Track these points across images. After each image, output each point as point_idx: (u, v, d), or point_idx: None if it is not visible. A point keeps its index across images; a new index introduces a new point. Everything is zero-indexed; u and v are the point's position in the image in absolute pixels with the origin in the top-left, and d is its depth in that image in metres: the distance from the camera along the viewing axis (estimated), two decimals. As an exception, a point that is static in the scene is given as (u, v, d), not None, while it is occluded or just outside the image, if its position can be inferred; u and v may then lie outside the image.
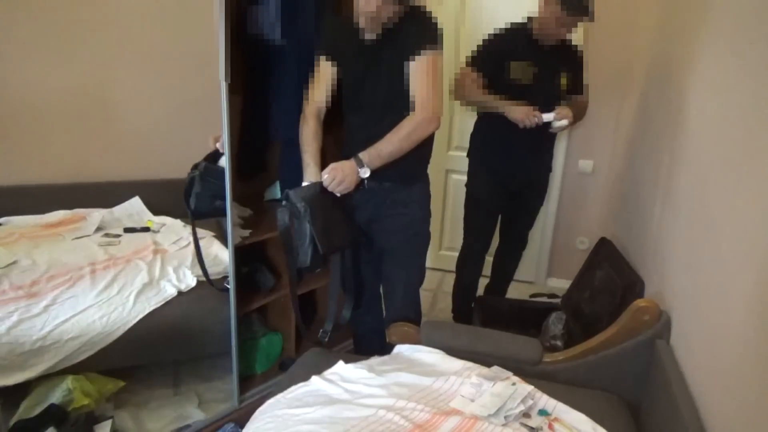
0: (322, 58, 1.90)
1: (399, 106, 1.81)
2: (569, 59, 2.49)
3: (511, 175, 2.58)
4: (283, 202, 1.76)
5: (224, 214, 1.93)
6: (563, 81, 2.45)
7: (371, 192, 1.90)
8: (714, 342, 1.34)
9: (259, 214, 2.27)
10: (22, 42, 2.04)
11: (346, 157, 1.80)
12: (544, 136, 2.48)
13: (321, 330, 2.07)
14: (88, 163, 2.31)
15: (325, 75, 1.90)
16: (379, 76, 1.81)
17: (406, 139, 1.77)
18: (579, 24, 2.30)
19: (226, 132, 1.78)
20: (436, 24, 1.79)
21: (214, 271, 2.28)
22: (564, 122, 2.35)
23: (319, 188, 1.78)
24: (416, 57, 1.74)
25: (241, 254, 2.02)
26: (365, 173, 1.79)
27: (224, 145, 1.82)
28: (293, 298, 2.01)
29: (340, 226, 1.84)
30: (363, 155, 1.78)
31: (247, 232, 2.07)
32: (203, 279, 2.22)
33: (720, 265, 1.37)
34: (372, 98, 1.85)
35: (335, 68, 1.89)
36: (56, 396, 1.77)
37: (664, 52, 2.32)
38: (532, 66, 2.37)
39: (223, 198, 1.95)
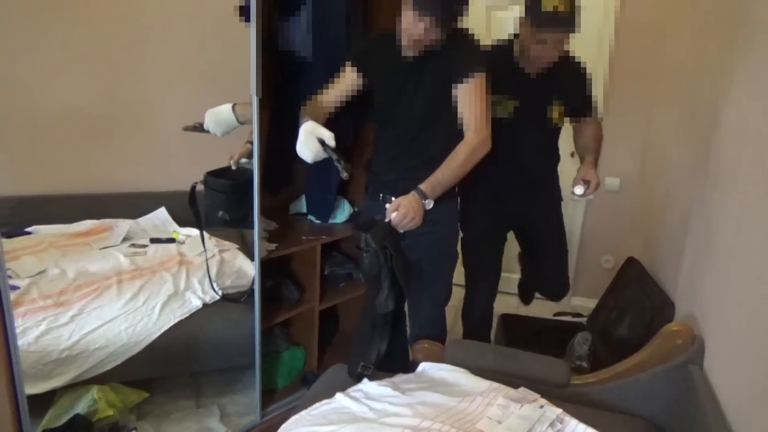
0: (348, 64, 1.89)
1: (435, 125, 1.81)
2: (567, 81, 2.10)
3: (505, 215, 2.29)
4: (364, 247, 1.70)
5: (230, 225, 1.95)
6: (555, 113, 2.10)
7: None
8: (752, 368, 1.29)
9: (284, 228, 2.28)
10: (53, 51, 2.09)
11: (374, 172, 1.79)
12: (539, 167, 2.22)
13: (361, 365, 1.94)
14: (115, 173, 2.35)
15: (345, 80, 1.90)
16: (417, 93, 1.80)
17: (465, 165, 1.75)
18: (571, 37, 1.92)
19: (257, 145, 1.80)
20: (479, 46, 1.80)
21: (238, 284, 2.29)
22: (591, 195, 2.05)
23: (389, 227, 1.72)
24: (465, 80, 1.73)
25: (265, 267, 2.03)
26: (429, 205, 1.75)
27: (254, 157, 1.83)
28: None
29: (407, 262, 1.81)
30: (424, 187, 1.73)
31: (273, 246, 2.07)
32: (230, 291, 2.23)
33: (758, 288, 1.33)
34: (408, 114, 1.83)
35: (360, 79, 1.89)
36: (81, 406, 1.78)
37: (696, 63, 2.25)
38: (512, 100, 2.04)
39: (227, 209, 2.00)
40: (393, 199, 1.76)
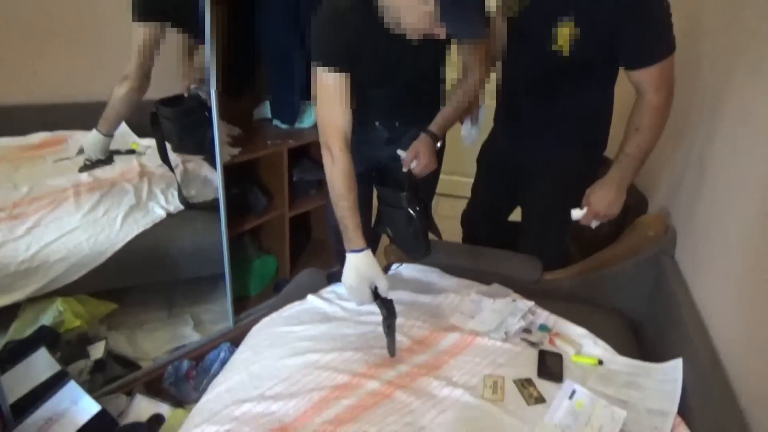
0: (329, 72, 1.40)
1: (436, 82, 1.69)
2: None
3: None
4: (398, 205, 1.57)
5: (185, 152, 1.91)
6: (560, 37, 1.47)
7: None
8: (722, 257, 1.30)
9: (248, 133, 2.18)
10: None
11: (364, 123, 1.62)
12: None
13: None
14: (69, 82, 2.18)
15: (340, 90, 1.42)
16: (420, 55, 1.54)
17: (465, 100, 1.65)
18: None
19: (210, 45, 1.66)
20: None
21: (204, 193, 2.21)
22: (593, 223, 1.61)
23: (412, 178, 1.63)
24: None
25: (231, 175, 1.95)
26: (439, 145, 1.66)
27: (208, 57, 1.70)
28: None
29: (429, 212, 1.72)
30: (433, 128, 1.63)
31: (236, 151, 1.98)
32: (195, 201, 2.16)
33: (730, 179, 1.32)
34: (411, 72, 1.58)
35: (349, 78, 1.43)
36: (47, 318, 1.74)
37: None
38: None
39: (179, 138, 1.92)
40: (401, 151, 1.65)
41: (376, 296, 1.39)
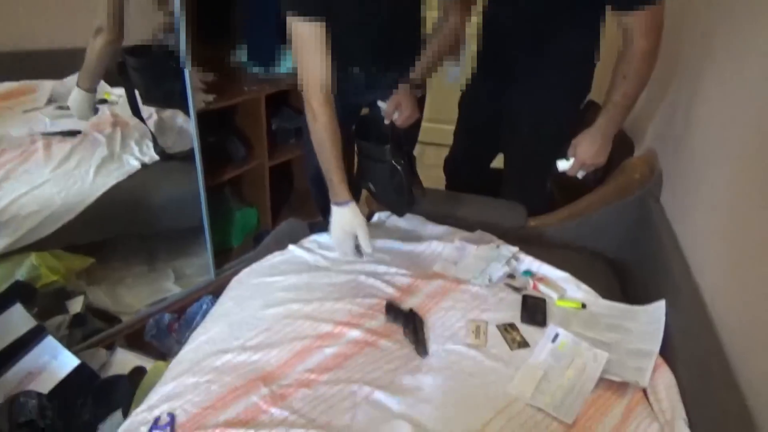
0: (303, 22, 1.32)
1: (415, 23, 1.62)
2: None
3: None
4: (382, 159, 1.52)
5: (155, 104, 1.84)
6: None
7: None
8: (708, 199, 1.28)
9: (223, 79, 2.09)
10: None
11: (341, 69, 1.55)
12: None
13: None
14: (34, 27, 2.07)
15: (317, 41, 1.33)
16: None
17: (445, 47, 1.58)
18: None
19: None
20: None
21: (180, 143, 2.15)
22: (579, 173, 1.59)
23: (394, 129, 1.59)
24: None
25: (207, 123, 1.88)
26: (419, 94, 1.61)
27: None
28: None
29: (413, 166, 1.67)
30: (414, 77, 1.58)
31: (210, 97, 1.91)
32: (171, 151, 2.10)
33: (714, 123, 1.29)
34: (388, 13, 1.53)
35: (324, 28, 1.35)
36: (21, 273, 1.70)
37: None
38: None
39: (157, 88, 1.85)
40: (381, 102, 1.60)
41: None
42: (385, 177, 1.53)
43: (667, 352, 1.17)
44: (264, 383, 1.11)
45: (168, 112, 2.26)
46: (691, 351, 1.11)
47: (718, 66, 1.34)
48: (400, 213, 1.69)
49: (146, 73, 1.91)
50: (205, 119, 1.87)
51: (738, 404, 0.92)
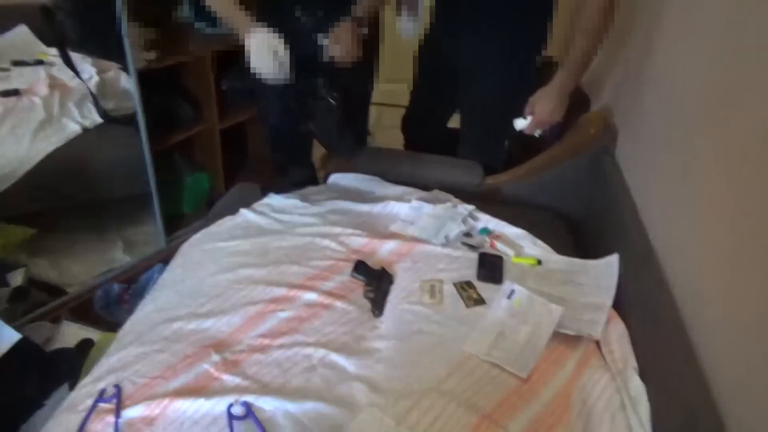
0: None
1: None
2: None
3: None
4: (320, 94, 1.51)
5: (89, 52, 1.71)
6: None
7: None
8: (658, 155, 1.29)
9: (167, 36, 1.98)
10: None
11: (284, 13, 1.48)
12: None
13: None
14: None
15: None
16: None
17: None
18: None
19: None
20: None
21: (124, 105, 2.04)
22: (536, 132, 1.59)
23: (333, 66, 1.52)
24: None
25: (151, 84, 1.79)
26: (364, 31, 1.54)
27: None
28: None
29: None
30: (357, 12, 1.51)
31: (152, 55, 1.81)
32: (115, 114, 1.99)
33: (668, 77, 1.29)
34: None
35: None
36: (-45, 246, 1.61)
37: None
38: None
39: (80, 33, 1.75)
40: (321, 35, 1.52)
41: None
42: (323, 114, 1.51)
43: (619, 304, 1.19)
44: (215, 350, 1.09)
45: (110, 73, 2.14)
46: (643, 303, 1.13)
47: (670, 22, 1.33)
48: (342, 155, 1.65)
49: (77, 18, 1.79)
50: (148, 79, 1.79)
51: (686, 351, 0.93)
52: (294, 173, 1.97)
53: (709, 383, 0.87)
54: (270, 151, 1.97)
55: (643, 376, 1.01)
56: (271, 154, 1.98)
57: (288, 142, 1.85)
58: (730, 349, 0.86)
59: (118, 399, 0.99)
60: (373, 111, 3.32)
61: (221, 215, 1.54)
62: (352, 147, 1.53)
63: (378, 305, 1.21)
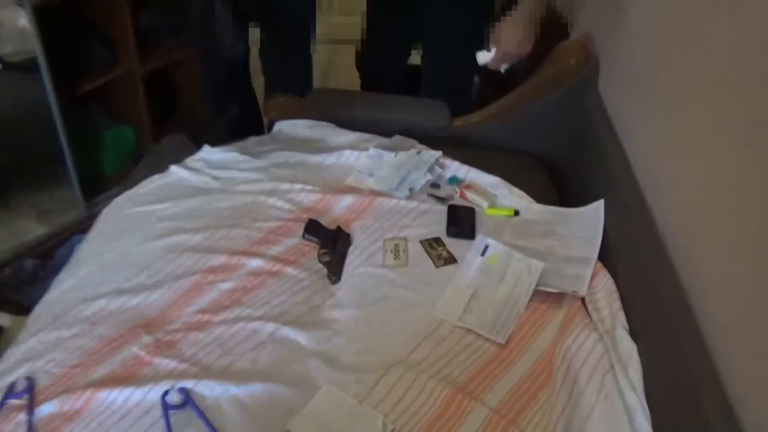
0: None
1: None
2: None
3: None
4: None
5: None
6: None
7: None
8: (643, 86, 1.27)
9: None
10: None
11: None
12: None
13: None
14: None
15: None
16: None
17: None
18: None
19: None
20: None
21: (24, 49, 1.93)
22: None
23: None
24: None
25: (55, 21, 1.69)
26: None
27: None
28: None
29: None
30: None
31: (51, -16, 1.69)
32: (12, 59, 1.88)
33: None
34: None
35: None
36: None
37: None
38: None
39: None
40: None
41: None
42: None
43: (606, 257, 1.18)
44: (146, 331, 1.06)
45: (4, 11, 2.02)
46: (632, 254, 1.13)
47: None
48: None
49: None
50: (51, 16, 1.68)
51: (681, 304, 0.93)
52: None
53: (704, 336, 0.87)
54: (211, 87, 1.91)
55: (633, 334, 1.01)
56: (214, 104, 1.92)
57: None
58: (726, 297, 0.86)
59: (31, 394, 0.95)
60: (325, 49, 3.27)
61: (148, 174, 1.49)
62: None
63: (335, 270, 1.19)
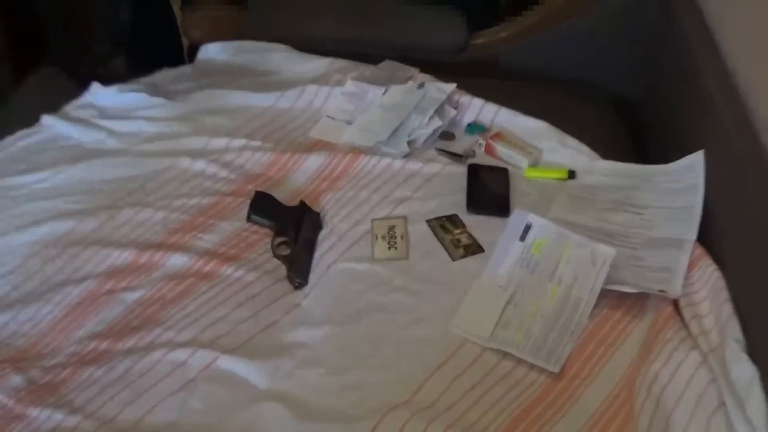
0: None
1: None
2: None
3: None
4: None
5: None
6: None
7: None
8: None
9: None
10: None
11: None
12: None
13: None
14: None
15: None
16: None
17: None
18: None
19: None
20: None
21: None
22: None
23: None
24: None
25: None
26: None
27: None
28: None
29: None
30: None
31: None
32: None
33: None
34: None
35: None
36: None
37: None
38: None
39: None
40: None
41: None
42: None
43: (709, 238, 1.18)
44: (14, 368, 1.07)
45: None
46: (749, 233, 1.12)
47: None
48: None
49: None
50: None
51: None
52: None
53: None
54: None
55: (752, 353, 1.01)
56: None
57: None
58: None
59: None
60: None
61: (9, 130, 1.52)
62: None
63: (298, 268, 1.21)
